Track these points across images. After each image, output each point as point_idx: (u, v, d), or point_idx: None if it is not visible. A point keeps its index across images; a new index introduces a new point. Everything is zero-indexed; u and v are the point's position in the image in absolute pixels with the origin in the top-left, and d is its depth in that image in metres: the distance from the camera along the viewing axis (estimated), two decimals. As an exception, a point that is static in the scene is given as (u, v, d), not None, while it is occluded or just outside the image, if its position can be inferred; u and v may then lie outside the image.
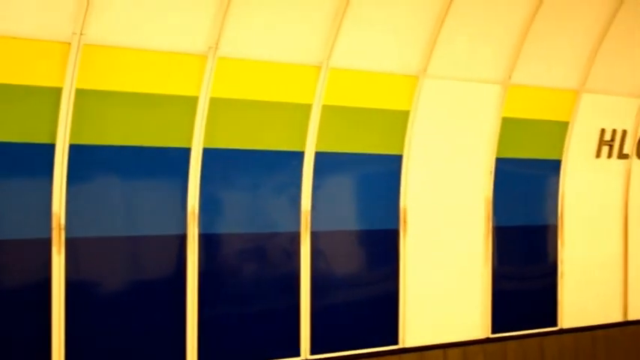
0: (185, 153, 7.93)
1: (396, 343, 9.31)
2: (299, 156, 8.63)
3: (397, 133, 9.18)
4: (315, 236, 8.75)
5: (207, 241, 8.17)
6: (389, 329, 9.28)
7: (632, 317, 11.38)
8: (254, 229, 8.61)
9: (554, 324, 10.57)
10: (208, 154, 8.04)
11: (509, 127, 9.89)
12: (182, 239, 7.96)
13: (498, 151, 9.90)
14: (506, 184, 10.02)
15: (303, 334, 8.68)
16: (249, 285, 8.53)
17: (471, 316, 9.89)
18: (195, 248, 8.02)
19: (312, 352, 8.74)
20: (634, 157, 11.18)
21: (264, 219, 8.67)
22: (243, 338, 8.41)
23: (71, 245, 7.35)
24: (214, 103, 7.97)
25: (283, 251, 8.76)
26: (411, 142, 9.23)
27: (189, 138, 7.94)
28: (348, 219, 9.11)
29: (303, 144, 8.62)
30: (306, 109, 8.56)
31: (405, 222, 9.30)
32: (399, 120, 9.15)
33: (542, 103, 10.16)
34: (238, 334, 8.38)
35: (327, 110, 8.62)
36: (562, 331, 10.64)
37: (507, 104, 9.82)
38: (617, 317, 11.25)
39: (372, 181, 9.17)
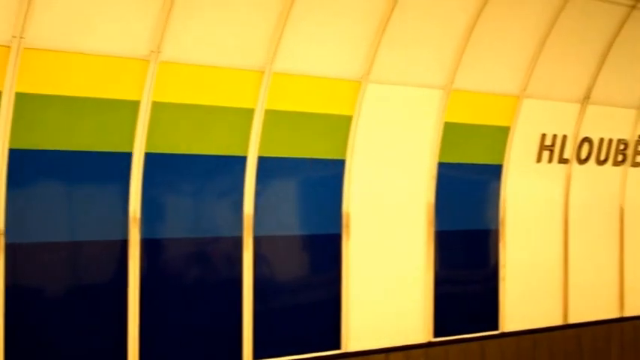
0: (126, 158, 8.11)
1: (338, 347, 9.60)
2: (242, 161, 8.88)
3: (340, 138, 9.47)
4: (257, 241, 9.00)
5: (148, 247, 8.36)
6: (332, 334, 9.57)
7: (572, 320, 11.85)
8: (196, 233, 8.83)
9: (496, 327, 10.98)
10: (150, 158, 8.23)
11: (452, 131, 10.27)
12: (124, 245, 8.15)
13: (440, 156, 10.27)
14: (449, 188, 10.40)
15: (246, 339, 8.91)
16: (191, 290, 8.73)
17: (413, 320, 10.23)
18: (136, 254, 8.21)
19: (255, 358, 8.97)
20: (574, 162, 11.68)
21: (206, 224, 8.90)
22: (185, 344, 8.62)
23: (10, 251, 7.48)
24: (156, 107, 8.17)
25: (226, 256, 8.98)
26: (354, 146, 9.54)
27: (131, 142, 8.12)
28: (290, 224, 9.37)
29: (246, 149, 8.85)
30: (249, 113, 8.80)
31: (347, 227, 9.61)
32: (342, 125, 9.44)
33: (484, 108, 10.56)
34: (180, 340, 8.59)
35: (270, 115, 8.87)
36: (503, 335, 11.06)
37: (449, 109, 10.19)
38: (557, 320, 11.71)
39: (314, 186, 9.45)
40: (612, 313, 12.44)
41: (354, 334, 9.67)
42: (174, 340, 8.55)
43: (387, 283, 9.97)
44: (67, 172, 7.83)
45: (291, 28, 8.69)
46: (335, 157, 9.49)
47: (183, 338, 8.60)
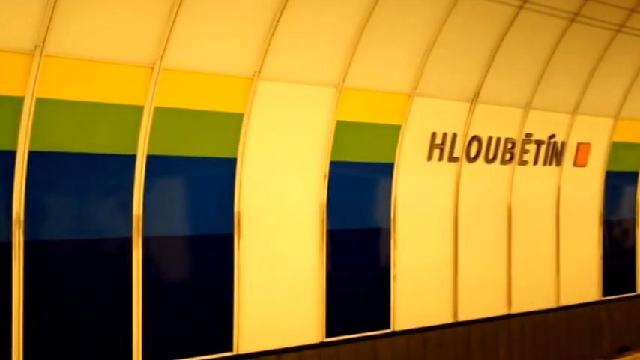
0: (10, 156, 8.15)
1: (230, 349, 9.88)
2: (130, 160, 9.02)
3: (231, 137, 9.74)
4: (147, 242, 9.17)
5: (32, 249, 8.40)
6: (223, 335, 9.83)
7: (462, 318, 12.50)
8: (83, 235, 8.91)
9: (388, 326, 11.49)
10: (34, 157, 8.29)
11: (344, 130, 10.69)
12: (7, 247, 8.19)
13: (333, 155, 10.66)
14: (341, 187, 10.81)
15: (136, 342, 9.06)
16: (78, 292, 8.80)
17: (305, 321, 10.60)
18: (20, 256, 8.25)
19: (145, 362, 9.18)
20: (464, 161, 12.31)
21: (93, 225, 8.98)
22: (72, 348, 8.71)
23: None
24: (41, 104, 8.22)
25: (114, 258, 9.10)
26: (246, 145, 9.82)
27: (14, 141, 8.16)
28: (181, 224, 9.58)
29: (135, 147, 9.01)
30: (138, 111, 8.96)
31: (239, 226, 9.89)
32: (233, 123, 9.71)
33: (376, 107, 11.02)
34: (67, 344, 8.67)
35: (160, 112, 9.05)
36: (395, 334, 11.57)
37: (341, 107, 10.60)
38: (447, 318, 12.32)
39: (206, 185, 9.68)
40: (500, 310, 13.14)
41: (246, 336, 9.96)
42: (61, 343, 8.62)
43: (279, 283, 10.29)
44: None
45: (181, 23, 8.88)
46: (226, 156, 9.74)
47: (70, 342, 8.68)
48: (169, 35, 8.87)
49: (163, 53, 8.92)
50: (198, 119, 9.44)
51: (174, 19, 8.82)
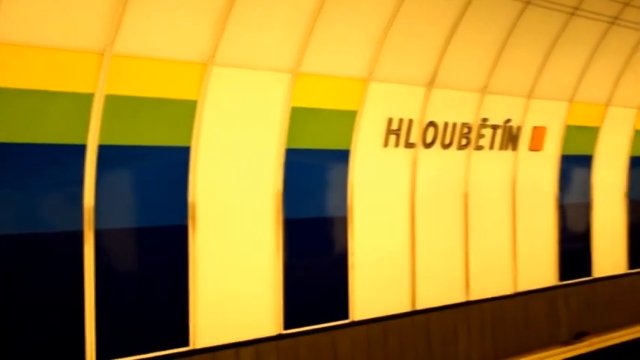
0: (-45, 148, 8.05)
1: (186, 344, 9.87)
2: (80, 149, 8.94)
3: (185, 124, 9.71)
4: (99, 235, 9.11)
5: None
6: (179, 330, 9.82)
7: (420, 306, 12.64)
8: (31, 229, 8.81)
9: (346, 317, 11.58)
10: (-23, 148, 8.20)
11: (299, 116, 10.73)
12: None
13: (289, 142, 10.70)
14: (297, 175, 10.86)
15: (89, 339, 9.02)
16: (26, 289, 8.73)
17: (263, 313, 10.64)
18: (-33, 251, 8.17)
19: (99, 359, 9.11)
20: (420, 146, 12.43)
21: (41, 218, 8.90)
22: (21, 347, 8.63)
23: None
24: (-14, 93, 8.13)
25: (65, 252, 9.02)
26: (200, 133, 9.81)
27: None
28: (134, 216, 9.53)
29: (85, 137, 8.93)
30: (88, 99, 8.88)
31: (194, 217, 9.87)
32: (186, 110, 9.68)
33: (332, 92, 11.08)
34: (15, 344, 8.58)
35: (111, 100, 8.98)
36: (354, 324, 11.67)
37: (297, 93, 10.63)
38: (406, 307, 12.46)
39: (159, 175, 9.64)
40: (459, 298, 13.33)
41: (203, 330, 9.97)
42: (7, 344, 8.52)
43: (235, 274, 10.32)
44: None
45: (132, 7, 8.82)
46: (180, 145, 9.72)
47: (18, 342, 8.59)
48: (120, 20, 8.78)
49: (114, 39, 8.84)
50: (150, 107, 9.41)
51: (126, 2, 8.74)
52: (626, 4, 13.92)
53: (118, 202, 9.36)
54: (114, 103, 9.02)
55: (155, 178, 9.63)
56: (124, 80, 9.11)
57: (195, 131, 9.77)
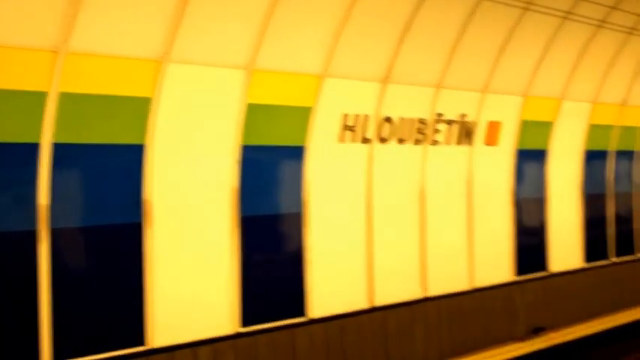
0: None
1: (143, 344, 10.03)
2: (34, 148, 9.05)
3: (140, 122, 9.87)
4: (54, 234, 9.23)
5: None
6: (136, 330, 9.97)
7: (378, 303, 12.93)
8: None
9: (304, 314, 11.82)
10: None
11: (255, 113, 10.93)
12: None
13: (244, 139, 10.90)
14: (253, 172, 11.06)
15: (44, 339, 9.12)
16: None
17: (220, 311, 10.82)
18: None
19: (55, 359, 9.24)
20: (376, 142, 12.71)
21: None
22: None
23: None
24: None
25: (18, 252, 9.12)
26: (155, 130, 9.97)
27: None
28: (89, 214, 9.65)
29: (39, 135, 9.04)
30: (42, 97, 8.99)
31: (149, 215, 10.03)
32: (142, 107, 9.84)
33: (287, 89, 11.30)
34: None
35: (65, 98, 9.10)
36: (312, 322, 11.90)
37: (252, 90, 10.84)
38: (364, 304, 12.73)
39: (114, 173, 9.78)
40: (416, 294, 13.64)
41: (160, 329, 10.13)
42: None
43: (192, 272, 10.49)
44: None
45: (86, 3, 8.93)
46: (135, 142, 9.87)
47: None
48: (74, 17, 8.90)
49: (68, 36, 8.96)
50: (105, 105, 9.54)
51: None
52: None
53: (74, 200, 9.50)
54: (68, 101, 9.15)
55: (111, 177, 9.76)
56: (79, 78, 9.24)
57: (150, 129, 9.93)
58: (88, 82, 9.33)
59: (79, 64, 9.15)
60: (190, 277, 10.48)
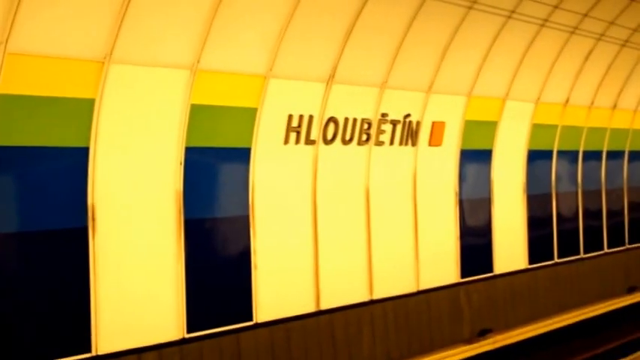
0: None
1: (89, 350, 10.21)
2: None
3: (83, 124, 10.04)
4: (-6, 239, 9.40)
5: None
6: (81, 336, 10.14)
7: (324, 307, 13.24)
8: None
9: (250, 318, 12.09)
10: None
11: (199, 114, 11.18)
12: None
13: (188, 140, 11.13)
14: (197, 174, 11.30)
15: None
16: None
17: (166, 317, 11.03)
18: None
19: (-1, 368, 9.40)
20: (320, 143, 13.04)
21: None
22: None
23: None
24: None
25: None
26: (98, 132, 10.14)
27: None
28: (32, 219, 9.78)
29: (-24, 138, 9.20)
30: (-20, 99, 9.14)
31: (93, 219, 10.21)
32: (84, 109, 10.01)
33: (232, 89, 11.56)
34: None
35: (5, 100, 9.21)
36: (257, 326, 12.16)
37: (196, 90, 11.08)
38: (310, 307, 13.04)
39: (57, 177, 9.92)
40: (362, 297, 14.00)
41: (105, 335, 10.31)
42: None
43: (137, 277, 10.69)
44: None
45: (26, 3, 9.07)
46: (78, 145, 10.03)
47: None
48: (14, 17, 9.05)
49: (8, 36, 9.10)
50: (46, 106, 9.67)
51: (19, 1, 9.01)
52: (522, -2, 14.90)
53: (15, 204, 9.62)
54: (8, 102, 9.27)
55: (53, 180, 9.91)
56: (19, 79, 9.36)
57: (93, 131, 10.10)
58: (28, 83, 9.45)
59: (19, 65, 9.27)
60: (135, 282, 10.68)
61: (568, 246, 19.51)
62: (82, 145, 10.09)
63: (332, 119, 13.08)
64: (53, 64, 9.65)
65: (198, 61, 10.98)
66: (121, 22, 9.96)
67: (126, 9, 9.93)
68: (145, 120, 10.67)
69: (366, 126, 13.75)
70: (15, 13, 9.05)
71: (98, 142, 10.17)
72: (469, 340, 16.04)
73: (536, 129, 17.81)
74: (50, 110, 9.77)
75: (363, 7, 12.53)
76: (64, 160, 10.03)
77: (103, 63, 10.03)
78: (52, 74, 9.68)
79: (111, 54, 10.05)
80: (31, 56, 9.44)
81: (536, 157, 18.07)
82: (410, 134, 14.64)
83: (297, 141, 12.67)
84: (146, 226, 10.82)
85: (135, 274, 10.69)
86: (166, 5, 10.38)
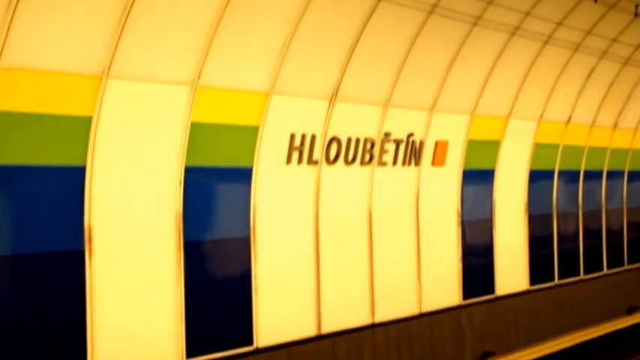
0: None
1: (86, 379, 9.74)
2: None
3: (79, 142, 9.56)
4: (-11, 262, 8.92)
5: None
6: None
7: (325, 330, 12.78)
8: None
9: (251, 343, 11.61)
10: None
11: (199, 133, 10.72)
12: None
13: (188, 160, 10.66)
14: (197, 195, 10.84)
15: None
16: None
17: (164, 342, 10.53)
18: None
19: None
20: (323, 163, 12.60)
21: None
22: None
23: None
24: None
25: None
26: (95, 151, 9.67)
27: None
28: (26, 241, 9.28)
29: (-33, 157, 8.73)
30: (-30, 115, 8.69)
31: (90, 241, 9.72)
32: (81, 127, 9.54)
33: (233, 107, 11.12)
34: None
35: (-1, 117, 8.83)
36: (258, 351, 11.69)
37: (197, 108, 10.62)
38: (311, 331, 12.58)
39: (52, 198, 9.44)
40: (364, 320, 13.55)
41: (102, 363, 9.83)
42: None
43: (135, 301, 10.21)
44: None
45: (21, 15, 8.64)
46: (74, 164, 9.57)
47: None
48: (8, 31, 8.62)
49: (2, 50, 8.66)
50: (41, 124, 9.21)
51: (14, 10, 8.57)
52: (527, 14, 14.50)
53: (8, 225, 9.15)
54: (1, 120, 8.82)
55: (48, 200, 9.43)
56: (12, 95, 8.91)
57: (90, 149, 9.64)
58: (23, 99, 9.01)
59: (12, 80, 8.82)
60: (133, 307, 10.20)
61: (568, 267, 19.16)
62: (78, 164, 9.62)
63: (335, 138, 12.69)
64: (49, 79, 9.21)
65: (199, 77, 10.54)
66: (120, 35, 9.52)
67: (125, 22, 9.50)
68: (144, 138, 10.21)
69: (369, 145, 13.34)
70: (9, 27, 8.61)
71: (95, 161, 9.70)
72: (471, 364, 15.64)
73: (538, 148, 17.46)
74: (45, 128, 9.30)
75: (366, 25, 12.17)
76: (60, 179, 9.55)
77: (101, 78, 9.56)
78: (47, 90, 9.23)
79: (109, 69, 9.60)
80: (26, 71, 8.99)
81: (538, 177, 17.73)
82: (413, 154, 14.24)
83: (300, 161, 12.24)
84: (145, 249, 10.34)
85: (133, 298, 10.21)
86: (167, 17, 9.96)
